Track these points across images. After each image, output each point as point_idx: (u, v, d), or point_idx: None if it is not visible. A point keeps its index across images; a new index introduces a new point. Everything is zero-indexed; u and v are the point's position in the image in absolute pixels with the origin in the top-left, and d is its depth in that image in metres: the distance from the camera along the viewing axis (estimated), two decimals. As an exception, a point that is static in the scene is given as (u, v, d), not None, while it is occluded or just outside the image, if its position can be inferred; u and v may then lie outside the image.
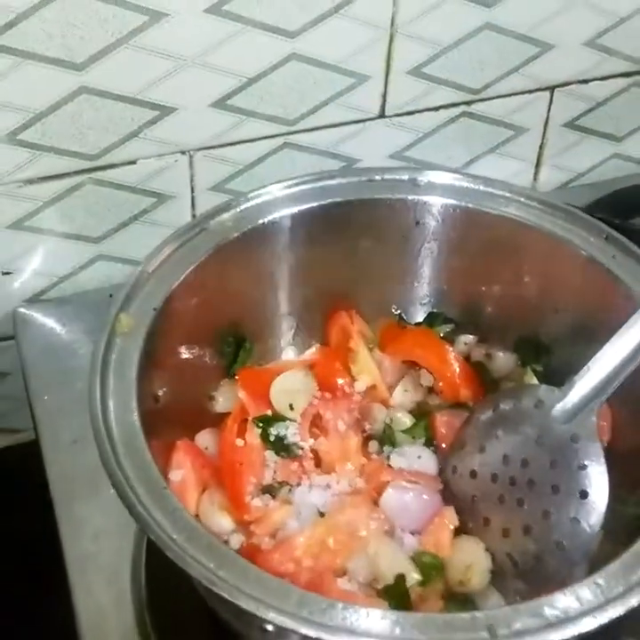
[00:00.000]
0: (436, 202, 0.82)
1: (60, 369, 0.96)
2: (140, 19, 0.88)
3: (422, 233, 0.83)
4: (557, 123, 1.12)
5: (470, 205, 0.81)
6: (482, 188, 0.82)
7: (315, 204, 0.81)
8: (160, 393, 0.74)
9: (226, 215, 0.79)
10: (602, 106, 1.12)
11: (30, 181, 0.94)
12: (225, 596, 0.58)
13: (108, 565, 0.83)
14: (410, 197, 0.82)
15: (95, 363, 0.69)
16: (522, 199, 0.82)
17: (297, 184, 0.81)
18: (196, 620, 0.77)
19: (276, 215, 0.80)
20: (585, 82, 1.09)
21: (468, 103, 1.06)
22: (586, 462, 0.71)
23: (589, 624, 0.57)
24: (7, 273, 1.00)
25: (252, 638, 0.70)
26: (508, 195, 0.82)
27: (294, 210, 0.80)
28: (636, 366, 0.70)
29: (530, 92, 1.08)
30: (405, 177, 0.83)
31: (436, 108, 1.05)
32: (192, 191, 1.01)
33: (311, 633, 0.56)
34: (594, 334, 0.76)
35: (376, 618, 0.57)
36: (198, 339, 0.80)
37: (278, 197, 0.81)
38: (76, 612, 0.80)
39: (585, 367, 0.72)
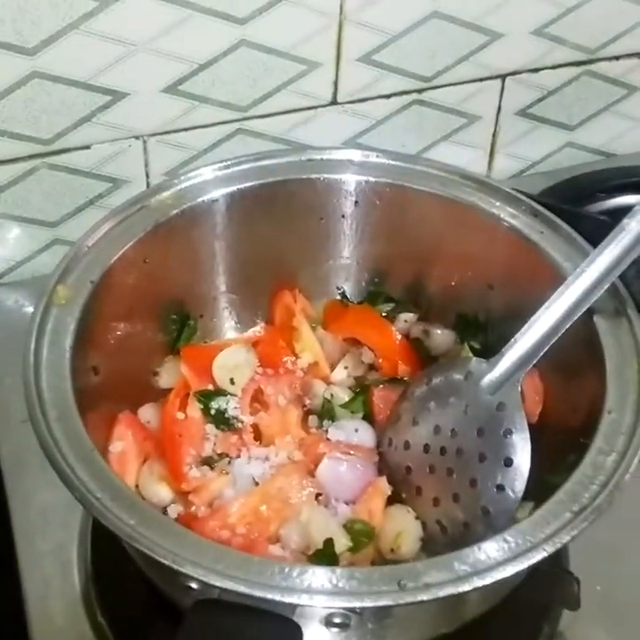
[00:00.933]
0: (373, 181, 0.84)
1: (15, 351, 0.97)
2: (91, 4, 0.89)
3: (361, 212, 0.85)
4: (510, 111, 1.13)
5: (405, 184, 0.83)
6: (417, 167, 0.84)
7: (253, 183, 0.83)
8: (99, 365, 0.76)
9: (166, 193, 0.81)
10: (553, 94, 1.13)
11: (-17, 166, 0.96)
12: (144, 551, 0.59)
13: (55, 538, 0.85)
14: (347, 177, 0.84)
15: (30, 332, 0.71)
16: (457, 178, 0.83)
17: (236, 164, 0.83)
18: (138, 592, 0.78)
19: (214, 194, 0.82)
20: (535, 70, 1.11)
21: (419, 91, 1.08)
22: (511, 429, 0.72)
23: (495, 577, 0.58)
24: (-37, 257, 1.01)
25: (184, 606, 0.71)
26: (442, 174, 0.84)
27: (233, 188, 0.82)
28: (557, 337, 0.72)
29: (481, 80, 1.09)
30: (343, 157, 0.84)
31: (388, 96, 1.07)
32: (147, 176, 1.03)
33: (224, 585, 0.57)
34: (527, 310, 0.77)
35: (292, 571, 0.59)
36: (140, 314, 0.81)
37: (218, 176, 0.83)
38: (22, 582, 0.82)
39: (512, 340, 0.74)
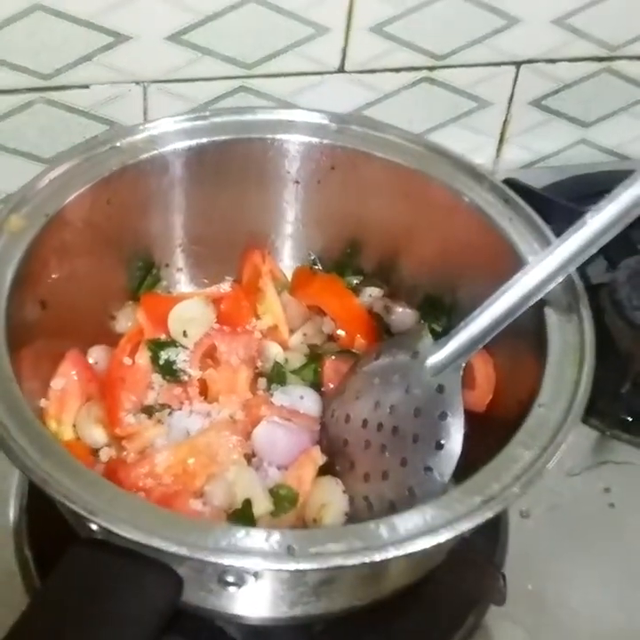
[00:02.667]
0: (350, 148, 0.82)
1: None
2: (100, -59, 0.89)
3: (336, 179, 0.84)
4: (523, 100, 1.11)
5: (379, 154, 0.81)
6: (399, 140, 0.82)
7: (228, 137, 0.82)
8: (47, 299, 0.76)
9: (138, 136, 0.81)
10: (569, 88, 1.11)
11: (-20, 93, 0.96)
12: (40, 486, 0.59)
13: (-4, 467, 0.85)
14: (324, 142, 0.82)
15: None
16: (434, 154, 0.82)
17: (215, 114, 0.83)
18: (66, 529, 0.78)
19: (188, 142, 0.81)
20: (552, 61, 1.08)
21: (430, 68, 1.06)
22: (446, 413, 0.71)
23: (383, 556, 0.57)
24: (-46, 183, 1.02)
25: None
26: (422, 150, 0.82)
27: (207, 139, 0.81)
28: (505, 325, 0.70)
29: (495, 64, 1.07)
30: (322, 121, 0.83)
31: (397, 70, 1.05)
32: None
33: (106, 524, 0.57)
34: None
35: (179, 521, 0.58)
36: (99, 255, 0.81)
37: (195, 126, 0.82)
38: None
39: (461, 323, 0.72)
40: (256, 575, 0.61)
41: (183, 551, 0.56)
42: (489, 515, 0.60)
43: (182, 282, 0.89)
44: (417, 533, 0.59)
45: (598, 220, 0.67)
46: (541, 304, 0.71)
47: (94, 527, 0.60)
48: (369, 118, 0.88)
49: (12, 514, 0.83)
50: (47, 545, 0.78)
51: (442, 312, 0.85)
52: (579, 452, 0.90)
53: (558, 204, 1.05)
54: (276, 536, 0.58)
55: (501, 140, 1.14)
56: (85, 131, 1.01)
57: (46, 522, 0.80)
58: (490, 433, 0.74)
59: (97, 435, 0.78)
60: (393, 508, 0.72)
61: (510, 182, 0.96)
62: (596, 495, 0.87)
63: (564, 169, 1.16)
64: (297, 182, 0.85)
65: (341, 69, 1.04)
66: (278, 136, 0.82)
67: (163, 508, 0.61)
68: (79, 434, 0.78)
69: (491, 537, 0.83)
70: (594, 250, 0.69)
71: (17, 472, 0.85)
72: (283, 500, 0.74)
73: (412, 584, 0.73)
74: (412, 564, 0.69)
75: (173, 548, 0.56)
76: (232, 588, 0.62)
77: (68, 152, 0.79)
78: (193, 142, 0.81)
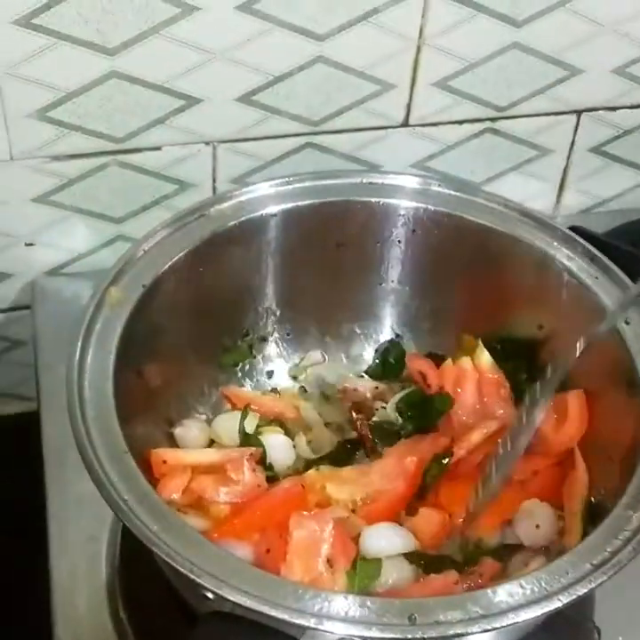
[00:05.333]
0: (432, 210, 0.84)
1: (69, 341, 0.99)
2: (173, 10, 0.91)
3: (417, 240, 0.85)
4: (583, 147, 1.12)
5: (464, 216, 0.83)
6: (477, 199, 0.84)
7: (311, 202, 0.84)
8: (144, 369, 0.77)
9: (226, 204, 0.82)
10: (629, 134, 1.12)
11: (57, 158, 0.98)
12: (164, 557, 0.60)
13: (87, 529, 0.86)
14: (406, 203, 0.84)
15: (78, 330, 0.72)
16: (516, 214, 0.83)
17: (297, 180, 0.85)
18: (160, 591, 0.79)
19: (272, 208, 0.83)
20: (613, 109, 1.10)
21: (492, 120, 1.07)
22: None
23: (505, 621, 0.58)
24: (30, 244, 1.04)
25: (200, 612, 0.72)
26: (501, 208, 0.83)
27: (291, 204, 0.83)
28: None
29: (556, 114, 1.09)
30: (403, 183, 0.85)
31: (460, 122, 1.07)
32: (214, 181, 1.04)
33: (236, 599, 0.58)
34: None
35: (305, 594, 0.59)
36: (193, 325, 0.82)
37: (278, 192, 0.84)
38: (50, 569, 0.84)
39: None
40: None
41: (312, 623, 0.57)
42: (603, 579, 0.61)
43: (273, 355, 0.91)
44: (536, 598, 0.59)
45: None
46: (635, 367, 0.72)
47: (211, 596, 0.61)
48: (457, 180, 0.88)
49: (104, 576, 0.84)
50: (141, 606, 0.80)
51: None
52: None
53: (620, 248, 1.06)
54: (397, 605, 0.59)
55: (562, 187, 1.16)
56: (155, 191, 1.03)
57: (138, 583, 0.82)
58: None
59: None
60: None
61: (575, 229, 0.97)
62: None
63: (625, 213, 1.17)
64: (378, 243, 0.86)
65: (405, 123, 1.05)
66: (364, 198, 0.84)
67: (284, 579, 0.61)
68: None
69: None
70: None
71: (107, 535, 0.86)
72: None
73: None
74: (520, 628, 0.69)
75: (301, 621, 0.57)
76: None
77: (160, 224, 0.80)
78: (276, 208, 0.83)
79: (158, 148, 1.00)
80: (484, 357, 0.85)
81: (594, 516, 0.70)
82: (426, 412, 0.85)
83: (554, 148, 1.12)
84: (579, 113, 1.09)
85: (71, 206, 1.02)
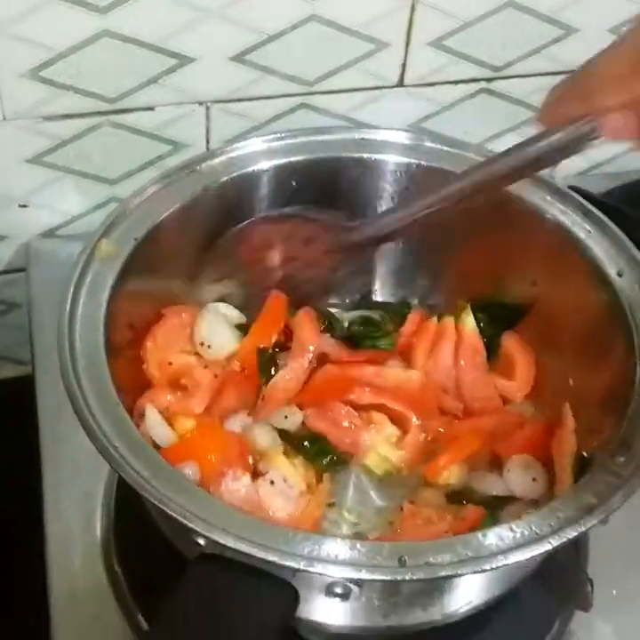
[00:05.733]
0: (425, 165, 0.83)
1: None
2: (165, -33, 0.90)
3: (410, 195, 0.85)
4: (579, 108, 1.11)
5: (456, 171, 0.82)
6: (468, 154, 0.83)
7: (303, 157, 0.83)
8: (135, 323, 0.77)
9: (217, 160, 0.82)
10: (624, 95, 1.11)
11: (50, 118, 0.98)
12: (156, 503, 0.60)
13: (83, 486, 0.87)
14: (397, 159, 0.84)
15: (69, 282, 0.72)
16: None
17: (289, 136, 0.84)
18: (155, 544, 0.79)
19: (264, 164, 0.83)
20: (609, 69, 1.08)
21: (488, 80, 1.07)
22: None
23: (495, 563, 0.59)
24: (23, 206, 1.04)
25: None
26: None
27: (283, 160, 0.83)
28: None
29: (552, 74, 1.08)
30: (394, 139, 0.85)
31: (456, 82, 1.06)
32: (207, 142, 1.04)
33: (227, 542, 0.58)
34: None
35: (295, 537, 0.59)
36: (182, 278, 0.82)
37: (270, 148, 0.83)
38: (46, 525, 0.84)
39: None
40: (361, 586, 0.62)
41: (303, 565, 0.57)
42: (594, 522, 0.61)
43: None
44: (527, 541, 0.59)
45: None
46: (627, 319, 0.72)
47: (202, 542, 0.61)
48: (446, 136, 0.88)
49: (99, 531, 0.84)
50: (135, 559, 0.81)
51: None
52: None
53: (614, 206, 1.05)
54: (387, 547, 0.59)
55: (558, 149, 1.14)
56: (149, 152, 1.03)
57: (133, 537, 0.82)
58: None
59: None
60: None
61: (573, 189, 0.97)
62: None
63: (622, 175, 1.16)
64: (368, 199, 0.86)
65: (400, 83, 1.05)
66: (356, 154, 0.83)
67: (274, 523, 0.62)
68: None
69: (573, 543, 0.83)
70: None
71: (102, 491, 0.86)
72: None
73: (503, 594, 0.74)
74: (511, 572, 0.69)
75: (291, 563, 0.57)
76: (335, 600, 0.63)
77: (152, 179, 0.80)
78: (268, 164, 0.83)
79: (151, 109, 1.00)
80: (469, 322, 0.85)
81: (584, 467, 0.69)
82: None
83: (550, 108, 1.11)
84: (574, 73, 1.08)
85: (64, 167, 1.02)
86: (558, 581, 0.76)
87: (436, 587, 0.66)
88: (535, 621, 0.80)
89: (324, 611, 0.68)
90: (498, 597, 0.72)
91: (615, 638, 0.80)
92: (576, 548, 0.83)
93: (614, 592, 0.82)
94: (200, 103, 1.01)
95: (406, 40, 1.01)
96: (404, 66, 1.03)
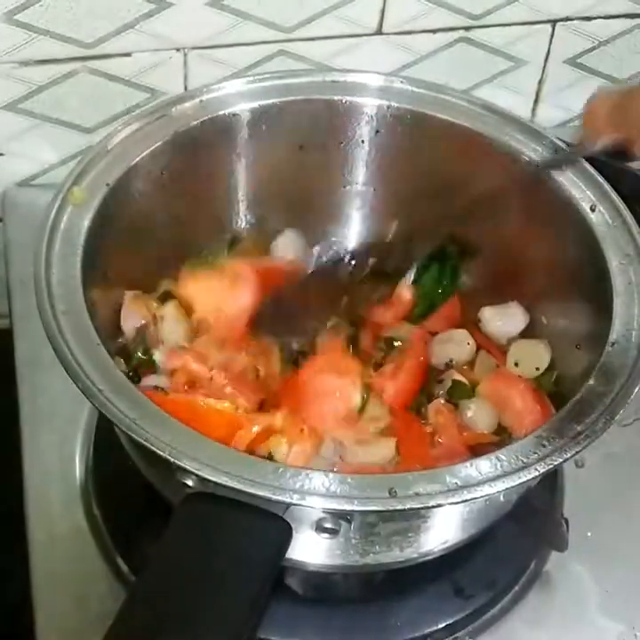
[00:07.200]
0: (396, 107, 0.83)
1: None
2: None
3: (381, 138, 0.84)
4: (558, 58, 1.12)
5: (427, 112, 0.82)
6: (441, 96, 0.84)
7: (275, 100, 0.82)
8: (109, 268, 0.76)
9: (188, 104, 0.81)
10: (604, 45, 1.11)
11: (26, 63, 0.96)
12: (143, 443, 0.60)
13: (61, 430, 0.87)
14: (370, 100, 0.83)
15: (43, 228, 0.71)
16: (479, 109, 0.83)
17: (260, 80, 0.83)
18: (134, 487, 0.80)
19: (236, 108, 0.82)
20: (588, 19, 1.09)
21: (466, 28, 1.06)
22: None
23: (484, 491, 0.60)
24: (-1, 154, 1.03)
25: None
26: (463, 104, 0.84)
27: (254, 104, 0.82)
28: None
29: (531, 23, 1.08)
30: (367, 81, 0.84)
31: (434, 31, 1.06)
32: (185, 89, 1.03)
33: (217, 479, 0.59)
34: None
35: (285, 472, 0.60)
36: (156, 225, 0.82)
37: (241, 91, 0.82)
38: (24, 469, 0.84)
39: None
40: (350, 521, 0.62)
41: (295, 499, 0.58)
42: (578, 449, 0.63)
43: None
44: (513, 469, 0.61)
45: None
46: (601, 252, 0.73)
47: (191, 482, 0.61)
48: (418, 79, 0.87)
49: (78, 475, 0.85)
50: (114, 503, 0.81)
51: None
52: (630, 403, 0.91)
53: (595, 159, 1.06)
54: (377, 480, 0.60)
55: (537, 99, 1.15)
56: (126, 99, 1.02)
57: (112, 481, 0.82)
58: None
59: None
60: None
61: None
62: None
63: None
64: (341, 143, 0.86)
65: (379, 31, 1.04)
66: (327, 97, 0.83)
67: (265, 461, 0.64)
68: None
69: (549, 487, 0.84)
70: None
71: (80, 435, 0.86)
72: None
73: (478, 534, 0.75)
74: (486, 512, 0.70)
75: (283, 497, 0.58)
76: (325, 535, 0.64)
77: (122, 123, 0.79)
78: (239, 108, 0.82)
79: (128, 55, 0.99)
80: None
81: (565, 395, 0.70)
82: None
83: (529, 59, 1.11)
84: (553, 22, 1.08)
85: (41, 115, 1.00)
86: (534, 522, 0.77)
87: (414, 524, 0.67)
88: (511, 561, 0.81)
89: (304, 549, 0.68)
90: (473, 537, 0.73)
91: (589, 577, 0.81)
92: (552, 491, 0.84)
93: (589, 534, 0.83)
94: (177, 49, 1.00)
95: (385, -14, 1.00)
96: (382, 12, 1.03)
